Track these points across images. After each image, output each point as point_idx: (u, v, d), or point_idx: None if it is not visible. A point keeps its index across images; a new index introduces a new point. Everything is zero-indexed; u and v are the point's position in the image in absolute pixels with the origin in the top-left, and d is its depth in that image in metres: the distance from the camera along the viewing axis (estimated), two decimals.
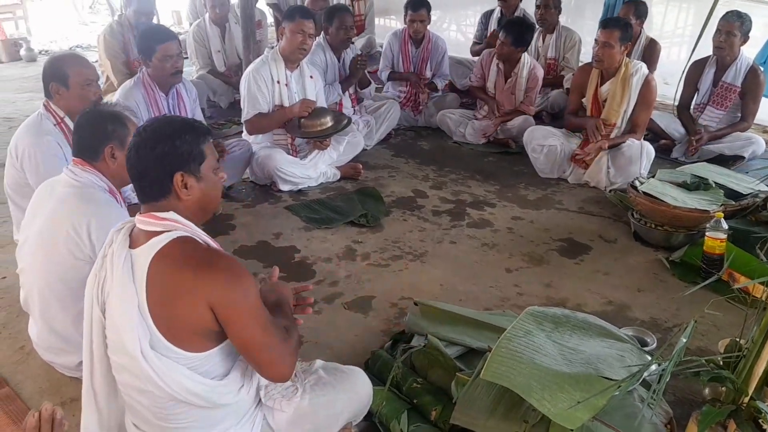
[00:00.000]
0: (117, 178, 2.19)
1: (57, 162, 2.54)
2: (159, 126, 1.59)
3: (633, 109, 4.02)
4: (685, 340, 1.61)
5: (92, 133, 2.16)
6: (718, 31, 4.27)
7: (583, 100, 4.21)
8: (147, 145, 1.54)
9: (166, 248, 1.50)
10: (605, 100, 4.05)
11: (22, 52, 7.52)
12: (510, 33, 4.62)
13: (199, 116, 3.80)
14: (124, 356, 1.52)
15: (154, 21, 5.40)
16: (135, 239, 1.57)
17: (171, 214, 1.55)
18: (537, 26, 5.44)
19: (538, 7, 5.25)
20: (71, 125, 2.70)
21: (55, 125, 2.69)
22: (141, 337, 1.48)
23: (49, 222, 2.11)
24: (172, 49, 3.42)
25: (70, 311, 2.11)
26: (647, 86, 3.98)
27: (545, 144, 4.26)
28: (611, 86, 4.00)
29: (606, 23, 4.01)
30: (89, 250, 2.05)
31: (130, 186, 2.56)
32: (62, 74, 2.68)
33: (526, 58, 4.77)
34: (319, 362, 1.98)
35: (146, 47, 3.43)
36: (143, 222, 1.56)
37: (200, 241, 1.57)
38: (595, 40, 4.00)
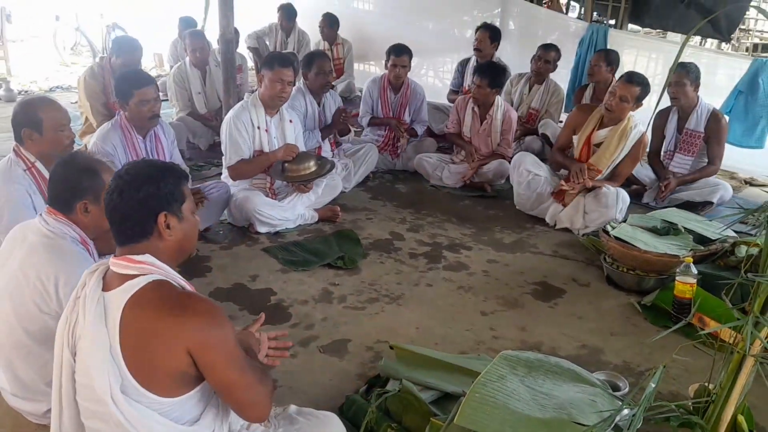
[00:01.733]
0: (90, 229, 2.17)
1: (23, 212, 2.52)
2: (141, 168, 1.63)
3: (620, 161, 4.12)
4: (654, 386, 1.64)
5: (65, 188, 2.14)
6: (669, 84, 4.43)
7: (574, 137, 4.27)
8: (131, 188, 1.58)
9: (141, 292, 1.51)
10: (597, 144, 4.14)
11: (1, 92, 7.50)
12: (486, 75, 4.75)
13: (178, 158, 3.82)
14: (93, 402, 1.51)
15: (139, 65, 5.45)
16: (109, 282, 1.58)
17: (146, 257, 1.57)
18: (527, 73, 5.57)
19: (538, 58, 5.37)
20: (43, 170, 2.68)
21: (25, 171, 2.65)
22: (112, 382, 1.47)
23: (18, 272, 2.07)
24: (149, 94, 3.44)
25: (35, 362, 2.08)
26: (641, 143, 4.10)
27: (532, 171, 4.34)
28: (609, 134, 4.09)
29: (630, 78, 4.01)
30: (55, 305, 2.02)
31: None
32: (35, 119, 2.66)
33: (500, 101, 4.90)
34: (293, 407, 1.98)
35: (123, 91, 3.45)
36: (118, 265, 1.57)
37: (175, 284, 1.58)
38: (612, 91, 4.03)
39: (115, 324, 1.49)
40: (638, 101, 4.01)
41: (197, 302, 1.54)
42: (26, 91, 8.13)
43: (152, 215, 1.59)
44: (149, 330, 1.49)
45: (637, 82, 3.99)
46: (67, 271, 2.03)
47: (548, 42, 5.70)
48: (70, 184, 2.14)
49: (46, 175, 2.67)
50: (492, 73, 4.79)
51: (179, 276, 1.62)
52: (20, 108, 2.75)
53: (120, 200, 1.58)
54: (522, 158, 4.43)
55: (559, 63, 5.83)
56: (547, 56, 5.36)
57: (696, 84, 4.45)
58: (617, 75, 5.11)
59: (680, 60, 5.59)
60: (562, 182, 4.17)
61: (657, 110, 4.53)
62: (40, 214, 2.16)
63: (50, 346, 2.05)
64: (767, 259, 1.67)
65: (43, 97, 2.85)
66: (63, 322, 1.61)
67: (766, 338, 1.69)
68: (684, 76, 4.41)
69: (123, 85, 3.47)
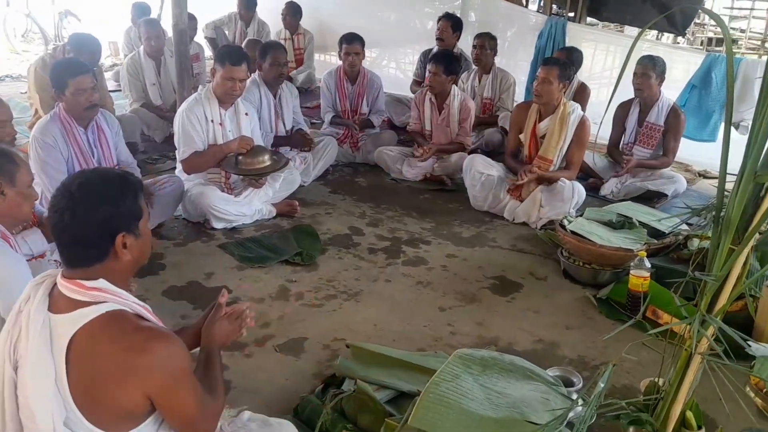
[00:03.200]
0: (8, 217, 2.11)
1: None
2: (96, 185, 1.48)
3: (568, 148, 4.16)
4: (603, 385, 1.65)
5: None
6: (635, 74, 4.51)
7: (521, 136, 4.33)
8: (85, 208, 1.43)
9: (94, 323, 1.40)
10: (542, 137, 4.18)
11: None
12: (440, 62, 4.77)
13: (123, 150, 3.71)
14: (34, 426, 1.43)
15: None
16: (56, 302, 1.46)
17: (101, 282, 1.45)
18: (473, 66, 5.62)
19: (474, 47, 5.42)
20: None
21: None
22: (55, 415, 1.39)
23: None
24: (85, 83, 3.30)
25: None
26: (582, 126, 4.14)
27: (484, 172, 4.34)
28: (550, 123, 4.14)
29: (546, 61, 4.19)
30: None
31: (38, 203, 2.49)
32: None
33: (456, 91, 4.91)
34: (247, 414, 1.93)
35: (58, 81, 3.30)
36: (68, 288, 1.45)
37: (131, 314, 1.48)
38: (536, 77, 4.14)
39: (62, 353, 1.39)
40: (563, 80, 4.09)
41: (152, 340, 1.43)
42: None
43: (109, 237, 1.46)
44: (102, 368, 1.39)
45: (552, 63, 4.12)
46: None
47: (508, 35, 5.72)
48: None
49: None
50: (446, 61, 4.81)
51: (135, 300, 1.52)
52: None
53: (72, 221, 1.43)
54: (472, 161, 4.44)
55: (520, 56, 5.88)
56: (481, 42, 5.42)
57: (661, 78, 4.53)
58: (578, 73, 5.16)
59: (636, 53, 5.65)
60: (512, 181, 4.24)
61: (616, 102, 4.62)
62: None
63: None
64: (714, 257, 1.69)
65: None
66: (4, 336, 1.51)
67: (712, 336, 1.70)
68: (650, 68, 4.47)
69: (58, 74, 3.32)
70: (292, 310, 3.10)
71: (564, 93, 4.17)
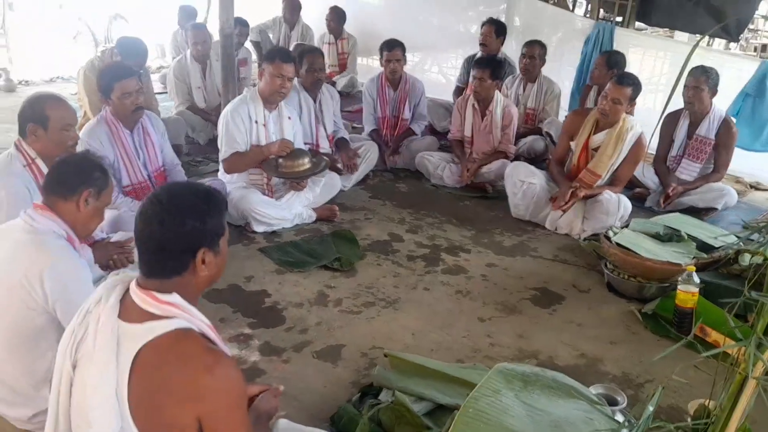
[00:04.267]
0: (80, 226, 2.15)
1: (21, 205, 2.49)
2: (186, 197, 1.50)
3: (619, 164, 4.05)
4: (652, 408, 1.58)
5: (76, 172, 2.16)
6: (686, 87, 4.34)
7: (572, 143, 4.22)
8: (175, 219, 1.45)
9: (161, 339, 1.40)
10: (595, 149, 4.07)
11: (1, 82, 7.45)
12: (486, 67, 4.72)
13: (169, 151, 3.78)
14: (85, 427, 1.44)
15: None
16: (127, 310, 1.47)
17: (174, 297, 1.45)
18: (517, 71, 5.54)
19: (523, 55, 5.32)
20: (43, 167, 2.67)
21: (24, 166, 2.63)
22: (112, 424, 1.39)
23: (3, 270, 2.04)
24: (131, 86, 3.38)
25: (21, 362, 2.04)
26: (639, 144, 4.00)
27: (526, 181, 4.27)
28: (605, 137, 4.01)
29: (620, 80, 3.94)
30: (42, 301, 1.99)
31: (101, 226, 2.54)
32: (42, 116, 2.63)
33: (499, 97, 4.85)
34: (283, 422, 1.92)
35: (105, 85, 3.40)
36: (141, 298, 1.45)
37: (198, 334, 1.47)
38: (604, 94, 3.96)
39: (127, 364, 1.40)
40: (631, 101, 3.97)
41: (217, 367, 1.41)
42: (27, 81, 8.07)
43: (191, 251, 1.47)
44: (163, 385, 1.39)
45: (627, 83, 3.93)
46: (52, 265, 2.01)
47: (553, 39, 5.62)
48: (82, 170, 2.16)
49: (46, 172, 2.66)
50: (492, 65, 4.76)
51: (202, 319, 1.51)
52: (29, 103, 2.72)
53: (160, 230, 1.45)
54: (514, 169, 4.37)
55: (565, 61, 5.76)
56: (531, 52, 5.29)
57: (713, 91, 4.36)
58: None
59: (690, 62, 5.51)
60: (552, 200, 4.14)
61: (666, 113, 4.48)
62: (25, 211, 2.12)
63: (36, 345, 2.04)
64: None
65: (53, 95, 2.81)
66: (68, 334, 1.53)
67: None
68: (703, 81, 4.30)
69: (104, 79, 3.42)
70: (331, 316, 3.09)
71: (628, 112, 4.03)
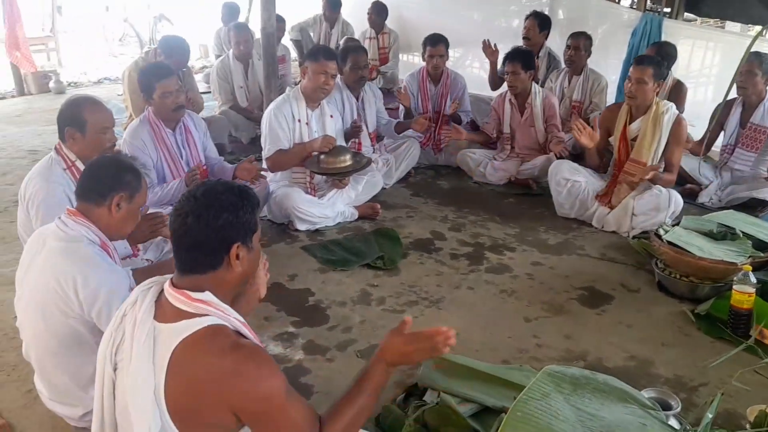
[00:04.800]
0: (113, 230, 2.16)
1: (59, 209, 2.51)
2: (220, 192, 1.52)
3: (665, 148, 3.93)
4: (711, 416, 1.52)
5: (107, 177, 2.15)
6: (738, 72, 4.19)
7: (611, 138, 4.14)
8: (209, 213, 1.47)
9: (196, 336, 1.42)
10: (634, 139, 3.98)
11: (51, 84, 7.67)
12: (517, 60, 4.66)
13: (211, 149, 3.82)
14: (129, 428, 1.46)
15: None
16: (162, 310, 1.49)
17: (206, 295, 1.48)
18: (562, 65, 5.43)
19: (568, 47, 5.22)
20: (82, 169, 2.69)
21: (65, 169, 2.66)
22: (152, 426, 1.40)
23: (40, 278, 2.06)
24: (171, 85, 3.43)
25: (66, 367, 2.08)
26: (678, 125, 3.90)
27: (570, 179, 4.19)
28: (642, 124, 3.92)
29: (640, 60, 3.94)
30: (78, 309, 2.01)
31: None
32: (80, 119, 2.66)
33: (536, 88, 4.77)
34: None
35: (146, 86, 3.45)
36: (175, 297, 1.48)
37: (231, 330, 1.48)
38: (628, 77, 3.94)
39: (164, 364, 1.41)
40: (657, 79, 3.87)
41: (249, 362, 1.42)
42: (75, 83, 8.29)
43: (226, 246, 1.49)
44: (199, 381, 1.40)
45: (648, 62, 3.88)
46: (84, 273, 2.02)
47: (599, 31, 5.50)
48: (112, 174, 2.15)
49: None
50: (523, 57, 4.69)
51: (236, 316, 1.53)
52: (66, 106, 2.75)
53: (196, 224, 1.47)
54: (558, 167, 4.28)
55: (611, 54, 5.62)
56: (576, 43, 5.18)
57: (767, 76, 4.21)
58: (673, 70, 4.89)
59: (738, 50, 5.29)
60: (598, 198, 4.06)
61: (722, 102, 4.33)
62: (59, 217, 2.14)
63: (80, 350, 2.07)
64: None
65: (90, 98, 2.84)
66: (107, 338, 1.56)
67: None
68: (756, 65, 4.17)
69: (145, 80, 3.47)
70: (374, 315, 3.08)
71: (658, 93, 3.94)
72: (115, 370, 1.53)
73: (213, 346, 1.42)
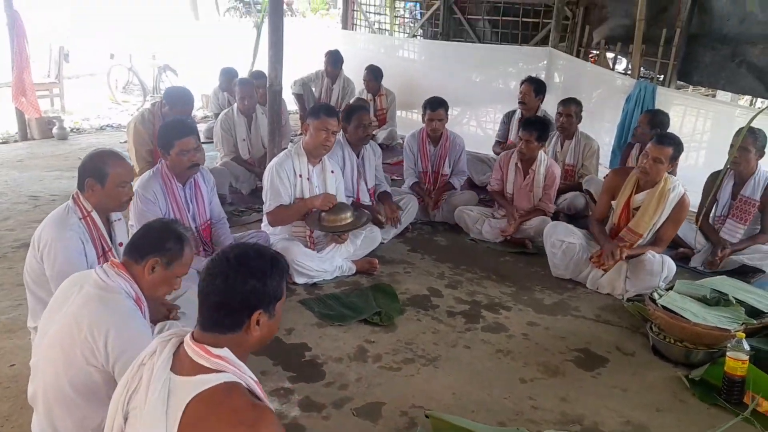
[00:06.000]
0: (147, 291, 2.21)
1: (75, 258, 2.58)
2: (251, 257, 1.57)
3: (662, 224, 4.01)
4: None
5: (150, 240, 2.23)
6: (732, 146, 4.31)
7: (613, 203, 4.19)
8: (238, 277, 1.53)
9: (211, 391, 1.44)
10: (636, 208, 4.05)
11: (55, 130, 7.75)
12: (534, 129, 4.75)
13: (217, 204, 3.87)
14: None
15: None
16: (180, 363, 1.52)
17: (225, 352, 1.51)
18: (555, 131, 5.58)
19: (559, 114, 5.36)
20: (98, 220, 2.76)
21: (80, 219, 2.72)
22: None
23: (71, 320, 2.09)
24: (190, 144, 3.50)
25: (74, 414, 2.08)
26: (681, 204, 3.97)
27: (565, 240, 4.24)
28: (647, 197, 3.98)
29: (661, 139, 3.95)
30: (103, 359, 2.03)
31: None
32: (101, 172, 2.73)
33: (543, 156, 4.87)
34: None
35: (165, 142, 3.52)
36: (194, 351, 1.51)
37: (245, 389, 1.51)
38: (645, 152, 3.98)
39: (177, 415, 1.43)
40: (672, 161, 3.94)
41: (262, 424, 1.44)
42: (78, 129, 8.38)
43: (250, 311, 1.54)
44: None
45: (668, 143, 3.92)
46: (118, 326, 2.06)
47: (593, 96, 5.66)
48: (156, 237, 2.23)
49: (100, 225, 2.77)
50: (539, 127, 4.79)
51: (251, 375, 1.56)
52: (89, 158, 2.82)
53: (223, 286, 1.52)
54: (554, 228, 4.35)
55: (606, 118, 5.76)
56: (567, 111, 5.32)
57: (761, 153, 4.33)
58: None
59: (729, 120, 5.43)
60: (593, 258, 4.09)
61: (714, 171, 4.43)
62: (101, 266, 2.20)
63: (92, 399, 2.08)
64: None
65: (114, 152, 2.91)
66: (122, 386, 1.58)
67: None
68: (750, 142, 4.26)
69: (164, 136, 3.54)
70: (370, 372, 3.08)
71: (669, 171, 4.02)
72: (125, 419, 1.54)
73: (229, 402, 1.44)
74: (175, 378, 1.49)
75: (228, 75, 7.37)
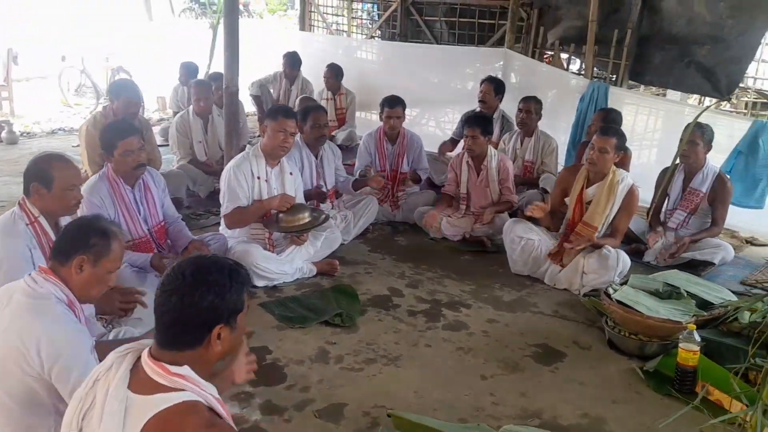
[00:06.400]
0: (79, 292, 2.15)
1: (22, 266, 2.51)
2: (208, 272, 1.50)
3: (615, 215, 4.11)
4: None
5: (72, 239, 2.16)
6: (681, 140, 4.43)
7: (566, 199, 4.29)
8: (193, 294, 1.46)
9: (169, 411, 1.40)
10: (588, 202, 4.14)
11: (4, 134, 7.52)
12: (477, 125, 4.83)
13: (169, 206, 3.82)
14: None
15: (140, 110, 5.48)
16: (137, 380, 1.47)
17: (185, 369, 1.46)
18: (515, 127, 5.66)
19: (520, 110, 5.45)
20: (45, 226, 2.69)
21: (27, 225, 2.65)
22: None
23: (2, 334, 2.02)
24: (133, 144, 3.43)
25: (17, 426, 2.02)
26: (631, 195, 4.09)
27: (524, 237, 4.31)
28: (597, 190, 4.09)
29: (605, 131, 4.09)
30: (38, 367, 1.97)
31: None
32: (47, 176, 2.66)
33: (492, 151, 4.95)
34: None
35: (108, 143, 3.44)
36: (152, 369, 1.45)
37: (205, 407, 1.46)
38: (591, 144, 4.10)
39: None
40: (618, 150, 4.06)
41: None
42: (28, 133, 8.16)
43: (209, 327, 1.48)
44: None
45: (612, 133, 4.07)
46: (50, 331, 2.00)
47: (549, 96, 5.77)
48: (78, 236, 2.15)
49: (49, 230, 2.69)
50: (483, 122, 4.88)
51: (213, 393, 1.51)
52: (34, 163, 2.75)
53: (179, 304, 1.46)
54: (512, 225, 4.41)
55: (561, 117, 5.86)
56: (527, 107, 5.44)
57: (708, 146, 4.48)
58: None
59: (678, 118, 5.59)
60: (564, 244, 4.15)
61: (665, 167, 4.56)
62: (29, 274, 2.13)
63: (33, 410, 2.02)
64: None
65: (59, 155, 2.84)
66: (76, 402, 1.52)
67: None
68: (698, 136, 4.41)
69: (107, 136, 3.47)
70: (332, 374, 3.08)
71: (616, 163, 4.12)
72: None
73: (186, 422, 1.40)
74: (132, 396, 1.44)
75: (188, 69, 7.28)
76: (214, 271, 1.51)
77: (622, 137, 4.11)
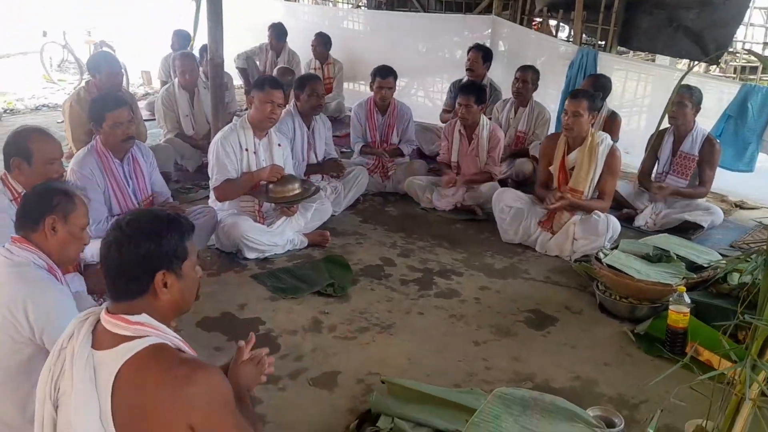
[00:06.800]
0: (57, 254, 2.14)
1: (8, 240, 2.48)
2: (145, 222, 1.55)
3: (599, 178, 4.12)
4: (652, 431, 1.60)
5: (36, 203, 2.15)
6: (670, 103, 4.43)
7: (551, 168, 4.30)
8: (131, 243, 1.50)
9: (138, 356, 1.42)
10: (572, 168, 4.15)
11: None
12: (470, 93, 4.79)
13: (158, 180, 3.79)
14: None
15: (123, 81, 5.41)
16: (100, 339, 1.49)
17: (143, 317, 1.49)
18: (502, 96, 5.62)
19: (516, 80, 5.38)
20: None
21: (11, 201, 2.63)
22: None
23: None
24: (123, 116, 3.40)
25: (11, 396, 2.02)
26: (612, 155, 4.10)
27: (513, 206, 4.31)
28: (578, 155, 4.10)
29: (575, 94, 4.15)
30: (29, 333, 1.98)
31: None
32: (26, 150, 2.63)
33: (485, 120, 4.92)
34: None
35: (96, 116, 3.42)
36: (111, 323, 1.48)
37: (173, 348, 1.50)
38: (564, 110, 4.12)
39: (107, 387, 1.41)
40: (592, 111, 4.08)
41: (197, 372, 1.45)
42: (11, 110, 8.04)
43: (150, 273, 1.51)
44: (147, 400, 1.41)
45: (582, 95, 4.10)
46: (35, 295, 2.01)
47: (538, 63, 5.73)
48: (40, 200, 2.14)
49: None
50: (476, 91, 4.84)
51: (175, 335, 1.55)
52: (13, 137, 2.73)
53: (118, 255, 1.50)
54: (501, 194, 4.42)
55: (550, 85, 5.83)
56: (524, 77, 5.37)
57: (697, 108, 4.48)
58: (607, 101, 5.12)
59: (667, 83, 5.57)
60: (541, 222, 4.20)
61: (655, 132, 4.57)
62: (4, 245, 2.12)
63: (27, 378, 2.01)
64: (765, 301, 1.64)
65: (37, 129, 2.81)
66: (46, 373, 1.53)
67: (764, 381, 1.65)
68: (687, 97, 4.41)
69: (96, 109, 3.44)
70: (326, 343, 3.09)
71: (593, 124, 4.14)
72: (56, 408, 1.51)
73: (160, 362, 1.43)
74: (97, 353, 1.47)
75: (180, 36, 7.17)
76: (150, 220, 1.56)
77: (593, 98, 4.12)
